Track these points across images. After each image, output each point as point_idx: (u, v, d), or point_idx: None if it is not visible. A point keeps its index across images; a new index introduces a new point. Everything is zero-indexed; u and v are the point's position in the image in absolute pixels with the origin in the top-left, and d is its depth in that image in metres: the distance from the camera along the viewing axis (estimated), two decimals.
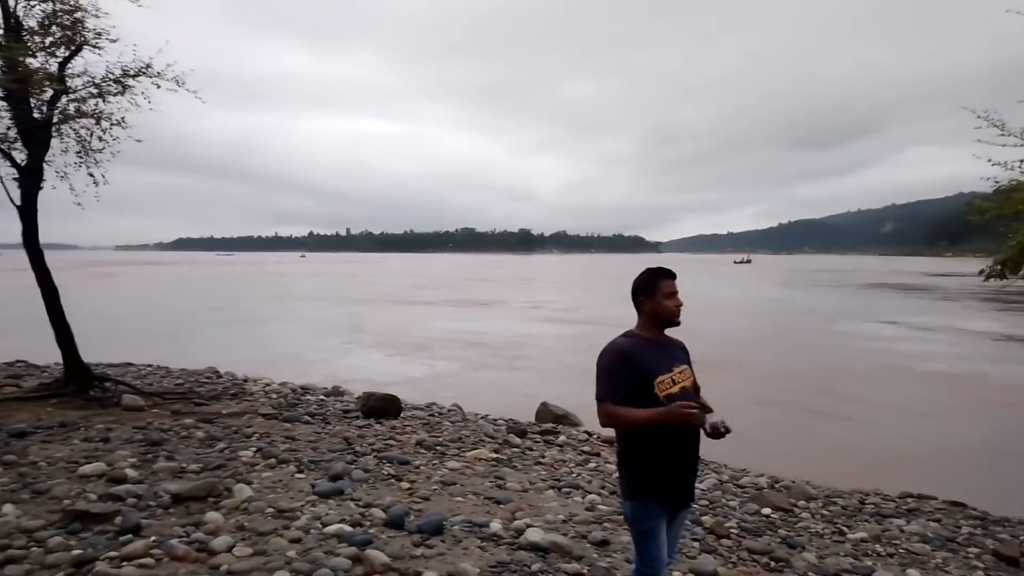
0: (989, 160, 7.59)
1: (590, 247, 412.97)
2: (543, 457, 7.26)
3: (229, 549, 3.84)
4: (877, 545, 5.31)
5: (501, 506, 5.25)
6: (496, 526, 4.68)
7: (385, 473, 5.87)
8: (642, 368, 2.69)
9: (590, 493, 5.91)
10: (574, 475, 6.61)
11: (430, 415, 9.18)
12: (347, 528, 4.32)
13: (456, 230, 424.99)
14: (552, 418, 9.69)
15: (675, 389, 2.69)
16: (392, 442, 7.14)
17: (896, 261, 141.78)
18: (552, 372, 14.37)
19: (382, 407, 8.58)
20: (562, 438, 8.38)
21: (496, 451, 7.21)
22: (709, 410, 2.66)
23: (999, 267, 9.92)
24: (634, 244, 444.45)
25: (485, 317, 26.21)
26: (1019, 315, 28.48)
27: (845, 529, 5.65)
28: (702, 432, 2.70)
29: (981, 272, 10.38)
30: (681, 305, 2.80)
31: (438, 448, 7.08)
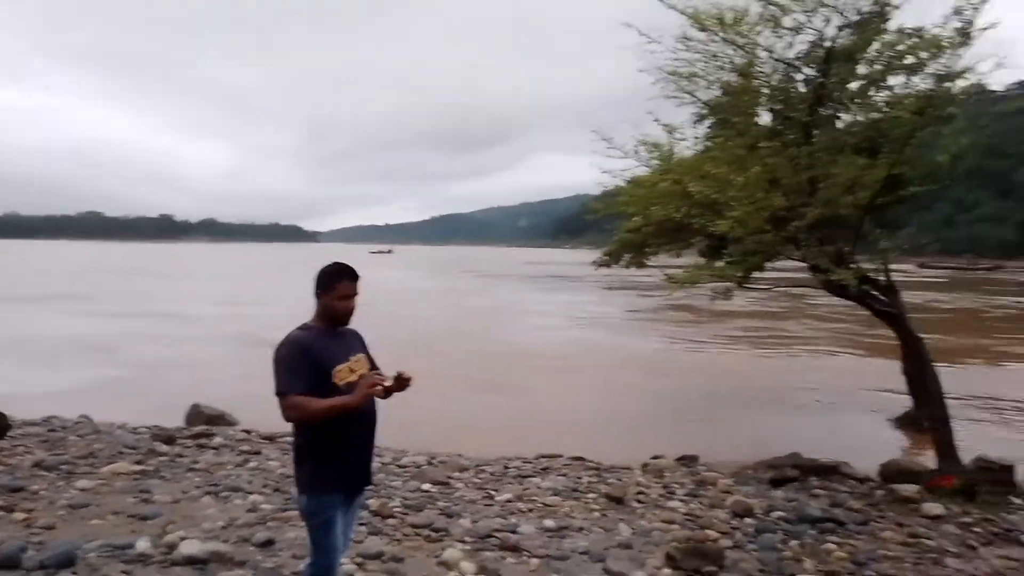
0: (600, 169, 9.02)
1: (244, 236, 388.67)
2: (196, 463, 6.70)
3: None
4: (520, 503, 6.01)
5: (149, 522, 4.75)
6: (143, 545, 4.23)
7: None
8: (320, 359, 2.71)
9: (252, 494, 5.65)
10: (233, 477, 6.24)
11: (50, 430, 7.81)
12: None
13: (77, 214, 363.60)
14: (205, 420, 8.96)
15: (353, 378, 2.76)
16: None
17: (521, 252, 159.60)
18: (203, 370, 13.27)
19: None
20: (218, 440, 7.81)
21: (139, 462, 6.45)
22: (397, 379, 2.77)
23: (606, 257, 11.90)
24: (291, 234, 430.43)
25: (111, 314, 22.85)
26: (583, 293, 34.45)
27: (494, 493, 6.28)
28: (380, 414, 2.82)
29: (593, 263, 12.36)
30: (353, 308, 2.86)
31: (63, 467, 6.08)
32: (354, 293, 2.85)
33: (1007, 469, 6.55)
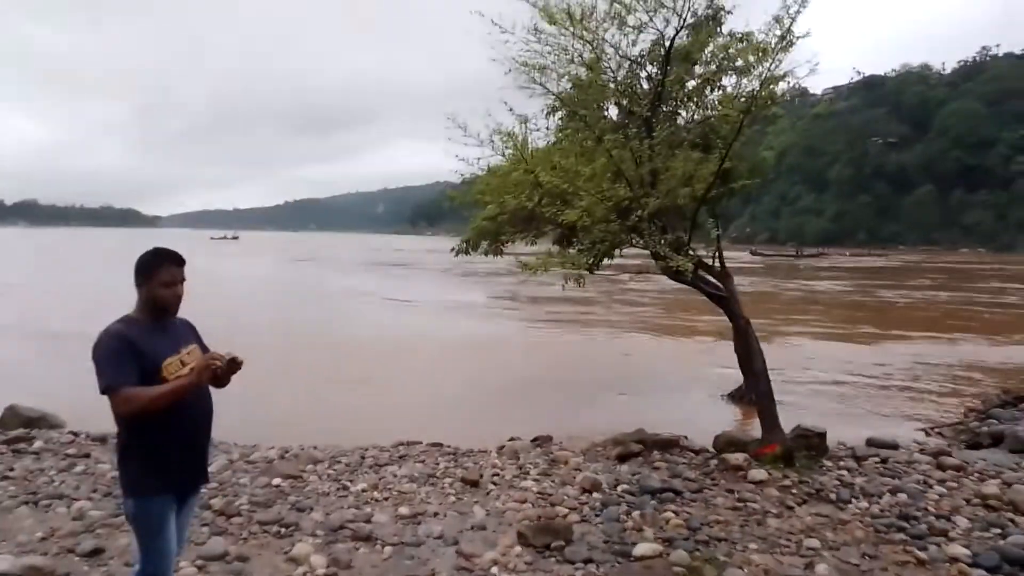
0: (457, 156, 9.03)
1: (71, 220, 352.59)
2: (12, 470, 6.07)
3: None
4: (375, 492, 5.95)
5: None
6: None
7: None
8: (147, 353, 2.51)
9: (78, 500, 5.21)
10: (56, 484, 5.72)
11: None
12: None
13: None
14: (24, 423, 8.11)
15: (185, 371, 2.58)
16: None
17: (379, 239, 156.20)
18: (17, 367, 11.97)
19: None
20: (39, 444, 7.10)
21: None
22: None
23: (464, 244, 11.98)
24: (127, 218, 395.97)
25: None
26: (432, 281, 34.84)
27: (348, 484, 6.17)
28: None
29: (452, 249, 12.40)
30: (179, 296, 2.66)
31: None
32: (179, 280, 2.66)
33: (821, 436, 7.32)
